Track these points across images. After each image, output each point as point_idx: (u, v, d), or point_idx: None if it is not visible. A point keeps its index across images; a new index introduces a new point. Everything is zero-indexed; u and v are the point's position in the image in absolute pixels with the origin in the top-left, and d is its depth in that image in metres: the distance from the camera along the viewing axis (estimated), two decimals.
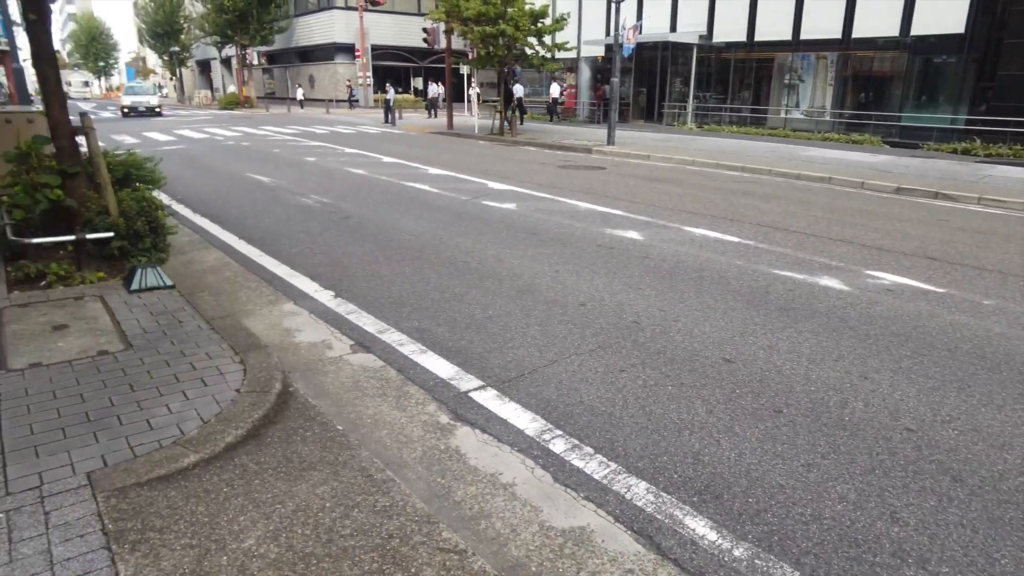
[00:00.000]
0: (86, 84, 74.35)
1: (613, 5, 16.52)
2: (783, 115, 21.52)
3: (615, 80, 16.29)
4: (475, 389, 3.64)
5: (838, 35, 19.24)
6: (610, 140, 16.55)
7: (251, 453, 2.92)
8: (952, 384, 3.75)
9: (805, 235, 7.41)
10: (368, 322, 4.64)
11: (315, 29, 41.54)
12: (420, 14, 38.70)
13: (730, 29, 21.90)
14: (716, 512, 2.63)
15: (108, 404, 3.22)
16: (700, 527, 2.53)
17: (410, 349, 4.17)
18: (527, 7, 19.02)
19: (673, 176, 12.36)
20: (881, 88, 19.48)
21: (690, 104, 23.12)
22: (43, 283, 5.03)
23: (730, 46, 22.18)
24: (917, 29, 17.64)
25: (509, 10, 18.88)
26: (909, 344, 4.31)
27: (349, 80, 39.79)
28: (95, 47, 71.83)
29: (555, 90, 25.96)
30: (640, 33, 20.75)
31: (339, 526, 2.42)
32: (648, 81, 25.35)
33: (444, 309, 4.90)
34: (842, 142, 17.99)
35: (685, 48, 22.68)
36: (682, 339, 4.35)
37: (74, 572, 2.12)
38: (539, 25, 19.39)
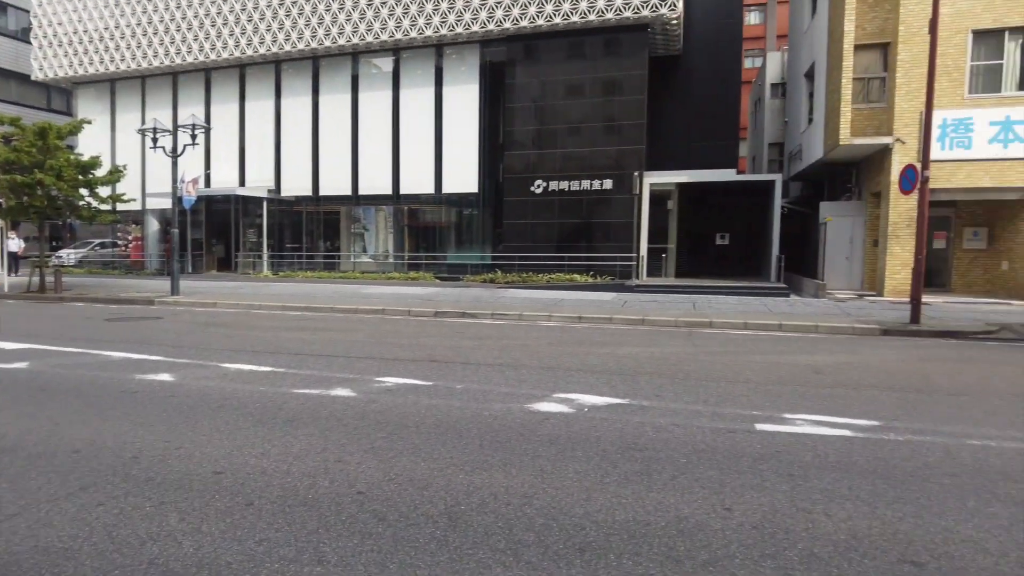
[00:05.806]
0: None
1: (170, 160, 16.44)
2: (353, 260, 23.74)
3: (175, 231, 16.00)
4: None
5: (390, 191, 22.54)
6: (174, 290, 15.93)
7: None
8: (409, 451, 4.65)
9: (341, 357, 8.29)
10: None
11: None
12: None
13: (297, 185, 23.71)
14: None
15: None
16: None
17: None
18: (73, 157, 17.56)
19: (235, 320, 12.48)
20: (432, 234, 23.18)
21: (265, 253, 23.72)
22: None
23: (300, 199, 23.90)
24: (447, 188, 21.88)
25: (49, 161, 17.12)
26: (387, 428, 5.20)
27: None
28: None
29: (14, 244, 23.65)
30: (204, 186, 20.96)
31: None
32: (223, 232, 25.31)
33: None
34: (403, 280, 20.63)
35: (255, 201, 23.53)
36: (178, 463, 4.44)
37: None
38: (89, 176, 18.00)
